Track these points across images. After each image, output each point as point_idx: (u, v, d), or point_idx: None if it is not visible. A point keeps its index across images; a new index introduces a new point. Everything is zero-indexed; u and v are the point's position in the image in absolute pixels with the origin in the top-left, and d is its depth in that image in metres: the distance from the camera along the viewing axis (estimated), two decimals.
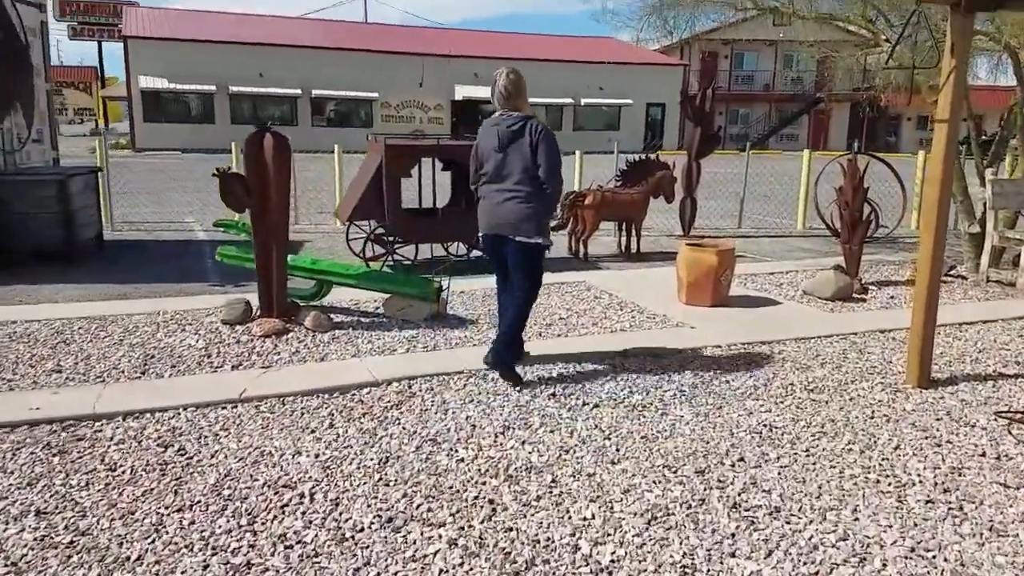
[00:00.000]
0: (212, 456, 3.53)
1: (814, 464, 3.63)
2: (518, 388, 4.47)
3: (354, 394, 4.33)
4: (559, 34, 45.81)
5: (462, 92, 34.78)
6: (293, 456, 3.55)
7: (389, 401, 4.25)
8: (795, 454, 3.74)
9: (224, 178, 5.00)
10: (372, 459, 3.54)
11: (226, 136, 15.82)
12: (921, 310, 4.64)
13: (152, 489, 3.22)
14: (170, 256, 8.60)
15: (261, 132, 5.11)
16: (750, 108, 46.61)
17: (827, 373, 4.91)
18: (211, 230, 10.30)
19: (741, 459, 3.66)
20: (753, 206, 12.98)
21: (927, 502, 3.30)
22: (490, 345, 4.79)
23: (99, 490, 3.20)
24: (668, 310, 6.35)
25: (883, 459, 3.71)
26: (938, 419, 4.21)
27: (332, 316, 5.67)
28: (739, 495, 3.31)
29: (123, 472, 3.36)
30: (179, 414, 3.98)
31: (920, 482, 3.48)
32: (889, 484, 3.46)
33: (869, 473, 3.56)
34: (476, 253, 8.31)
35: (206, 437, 3.73)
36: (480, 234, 4.67)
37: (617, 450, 3.71)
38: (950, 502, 3.31)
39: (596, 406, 4.25)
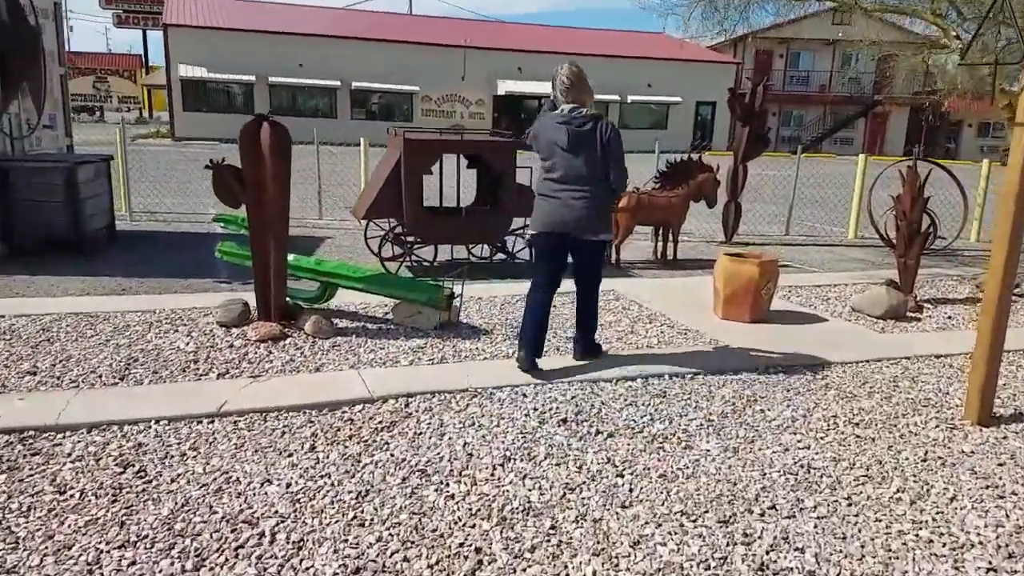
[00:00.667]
0: (172, 481, 3.16)
1: (856, 516, 3.14)
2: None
3: (344, 411, 3.94)
4: (606, 28, 45.02)
5: (504, 87, 34.37)
6: (261, 485, 3.16)
7: (381, 421, 3.84)
8: (835, 502, 3.24)
9: (217, 170, 4.66)
10: (350, 492, 3.13)
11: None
12: (986, 337, 4.08)
13: (97, 519, 2.86)
14: (183, 249, 8.35)
15: (257, 121, 4.75)
16: (804, 109, 45.31)
17: (875, 404, 4.38)
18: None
19: (772, 507, 3.18)
20: (802, 212, 12.32)
21: (988, 570, 2.80)
22: (506, 357, 4.56)
23: (40, 517, 2.86)
24: (702, 325, 5.85)
25: (937, 512, 3.20)
26: (1001, 464, 3.67)
27: (337, 321, 5.31)
28: (767, 554, 2.84)
29: (71, 496, 3.01)
30: (149, 428, 3.63)
31: (980, 543, 2.98)
32: (944, 545, 2.96)
33: (920, 530, 3.06)
34: (500, 256, 7.89)
35: (171, 457, 3.36)
36: (536, 231, 4.51)
37: (630, 490, 3.26)
38: (1016, 571, 2.80)
39: (611, 435, 3.80)
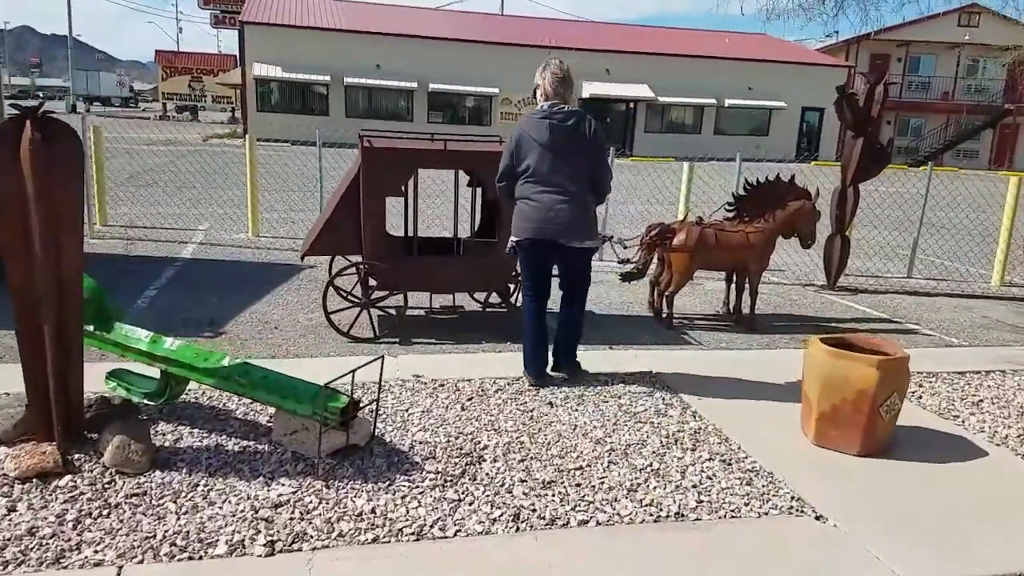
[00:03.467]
0: None
1: None
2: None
3: None
4: (704, 28, 42.15)
5: (590, 89, 32.05)
6: None
7: None
8: None
9: None
10: None
11: (340, 130, 14.28)
12: None
13: None
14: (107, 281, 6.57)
15: (20, 119, 2.83)
16: (923, 118, 41.22)
17: None
18: (214, 243, 8.36)
19: None
20: (925, 242, 9.60)
21: None
22: (441, 534, 2.36)
23: None
24: (779, 458, 3.60)
25: None
26: None
27: (179, 433, 3.36)
28: None
29: None
30: None
31: None
32: None
33: None
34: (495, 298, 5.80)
35: None
36: (522, 239, 4.20)
37: None
38: None
39: None
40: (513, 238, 4.28)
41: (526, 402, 4.06)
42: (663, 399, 4.26)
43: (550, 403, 4.07)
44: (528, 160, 4.14)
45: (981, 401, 4.62)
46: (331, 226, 4.99)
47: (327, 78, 30.01)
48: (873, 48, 39.85)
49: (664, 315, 6.12)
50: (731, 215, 6.34)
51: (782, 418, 4.09)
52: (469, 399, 4.04)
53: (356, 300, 5.24)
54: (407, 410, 3.82)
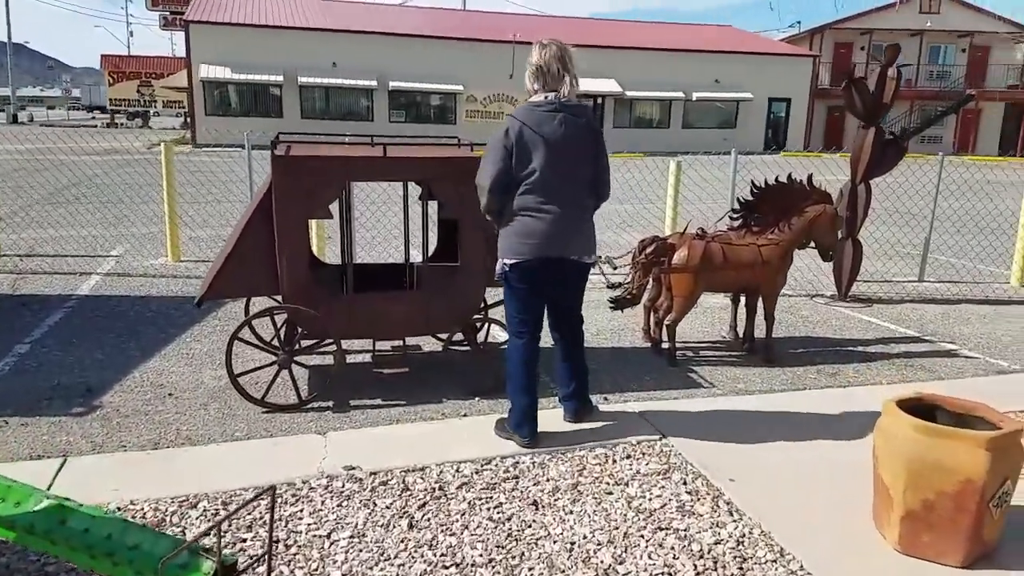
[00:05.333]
0: None
1: None
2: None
3: None
4: (669, 21, 41.40)
5: None
6: None
7: None
8: None
9: None
10: None
11: (296, 131, 13.10)
12: None
13: None
14: None
15: None
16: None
17: None
18: (123, 273, 7.13)
19: None
20: (923, 237, 8.54)
21: None
22: None
23: None
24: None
25: None
26: None
27: None
28: None
29: None
30: None
31: None
32: None
33: None
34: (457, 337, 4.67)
35: None
36: (523, 259, 3.44)
37: None
38: None
39: None
40: (508, 261, 3.48)
41: (502, 503, 2.96)
42: (684, 483, 3.19)
43: (535, 503, 2.98)
44: (534, 163, 3.38)
45: None
46: (236, 260, 3.81)
47: (280, 78, 28.49)
48: (837, 37, 39.49)
49: (664, 347, 5.06)
50: (736, 224, 5.30)
51: (845, 504, 3.05)
52: (422, 505, 2.92)
53: (274, 353, 4.06)
54: (328, 536, 2.69)
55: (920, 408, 2.94)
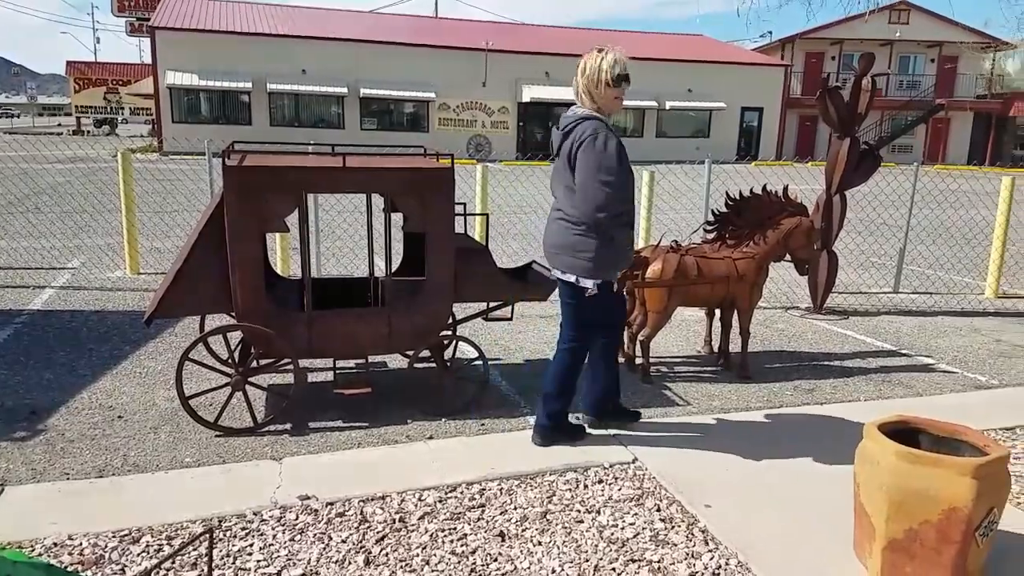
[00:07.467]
0: None
1: None
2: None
3: None
4: (643, 31, 41.58)
5: (530, 93, 30.93)
6: None
7: None
8: None
9: None
10: None
11: (265, 140, 12.85)
12: None
13: None
14: None
15: None
16: None
17: None
18: (79, 287, 6.86)
19: None
20: (898, 247, 8.52)
21: None
22: None
23: None
24: None
25: None
26: None
27: None
28: None
29: None
30: None
31: None
32: None
33: None
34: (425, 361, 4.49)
35: None
36: (609, 278, 3.58)
37: None
38: None
39: None
40: (595, 283, 3.51)
41: (466, 535, 2.79)
42: (658, 509, 3.05)
43: (501, 534, 2.81)
44: (628, 188, 3.49)
45: None
46: (187, 276, 3.62)
47: (248, 85, 28.09)
48: (807, 47, 39.93)
49: (638, 363, 4.92)
50: (711, 236, 5.19)
51: (825, 532, 2.92)
52: (380, 538, 2.75)
53: (227, 373, 3.86)
54: (278, 574, 2.50)
55: (903, 431, 2.82)
